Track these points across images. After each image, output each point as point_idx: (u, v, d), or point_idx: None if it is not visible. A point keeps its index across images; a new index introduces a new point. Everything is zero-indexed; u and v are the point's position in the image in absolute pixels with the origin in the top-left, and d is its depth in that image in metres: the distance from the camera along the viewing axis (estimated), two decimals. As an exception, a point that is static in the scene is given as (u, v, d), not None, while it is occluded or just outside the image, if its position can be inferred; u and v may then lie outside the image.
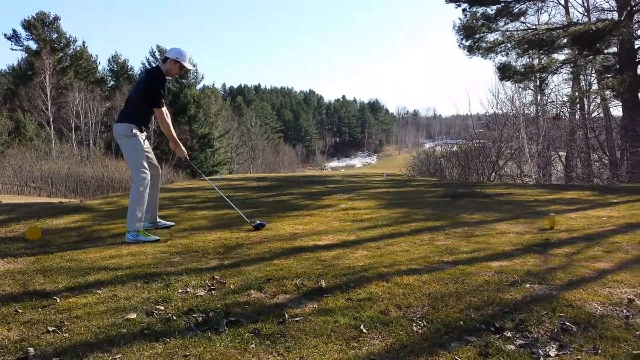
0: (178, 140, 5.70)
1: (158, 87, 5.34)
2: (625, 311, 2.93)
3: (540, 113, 25.33)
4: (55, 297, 3.34)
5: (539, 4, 20.21)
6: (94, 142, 50.03)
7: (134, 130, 5.33)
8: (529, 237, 5.09)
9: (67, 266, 4.14)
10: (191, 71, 50.24)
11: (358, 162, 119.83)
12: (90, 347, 2.56)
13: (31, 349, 2.52)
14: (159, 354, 2.48)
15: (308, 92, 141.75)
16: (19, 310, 3.10)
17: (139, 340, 2.64)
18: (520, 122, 22.47)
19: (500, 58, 19.11)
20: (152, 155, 5.67)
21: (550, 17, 27.11)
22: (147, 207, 5.45)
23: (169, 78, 5.67)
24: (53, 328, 2.80)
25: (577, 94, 22.11)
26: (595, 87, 22.44)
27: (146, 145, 5.58)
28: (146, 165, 5.40)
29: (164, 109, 5.50)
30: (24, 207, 7.83)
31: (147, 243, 5.06)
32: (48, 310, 3.12)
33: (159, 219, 5.94)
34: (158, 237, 5.26)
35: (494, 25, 18.76)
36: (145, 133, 5.57)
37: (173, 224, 6.04)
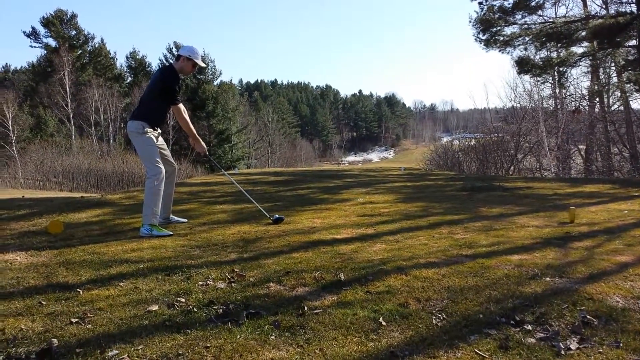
0: (197, 136, 5.74)
1: (172, 85, 5.38)
2: (647, 305, 2.89)
3: (559, 106, 25.01)
4: (78, 290, 3.39)
5: (557, -3, 19.90)
6: (113, 138, 50.47)
7: (146, 128, 5.35)
8: (549, 230, 5.05)
9: (89, 259, 4.21)
10: (209, 67, 50.37)
11: (375, 157, 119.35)
12: (112, 338, 2.59)
13: (55, 340, 2.56)
14: (180, 345, 2.51)
15: (324, 87, 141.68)
16: (42, 302, 3.15)
17: (160, 332, 2.67)
18: (539, 115, 22.21)
19: (518, 52, 18.91)
20: (167, 152, 5.69)
21: (568, 10, 26.82)
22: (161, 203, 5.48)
23: (182, 76, 5.67)
24: (76, 319, 2.84)
25: (596, 87, 21.76)
26: (615, 80, 22.06)
27: (160, 141, 5.60)
28: (160, 160, 5.42)
29: (181, 106, 5.53)
30: (46, 202, 7.97)
31: (160, 237, 5.11)
32: (71, 302, 3.17)
33: (172, 215, 5.95)
34: (171, 232, 5.30)
35: (511, 18, 18.50)
36: (159, 130, 5.59)
37: (186, 220, 6.04)
